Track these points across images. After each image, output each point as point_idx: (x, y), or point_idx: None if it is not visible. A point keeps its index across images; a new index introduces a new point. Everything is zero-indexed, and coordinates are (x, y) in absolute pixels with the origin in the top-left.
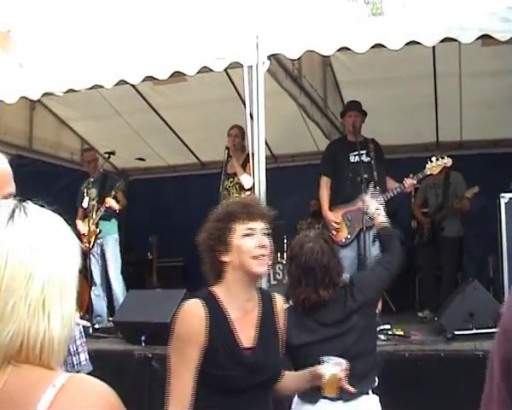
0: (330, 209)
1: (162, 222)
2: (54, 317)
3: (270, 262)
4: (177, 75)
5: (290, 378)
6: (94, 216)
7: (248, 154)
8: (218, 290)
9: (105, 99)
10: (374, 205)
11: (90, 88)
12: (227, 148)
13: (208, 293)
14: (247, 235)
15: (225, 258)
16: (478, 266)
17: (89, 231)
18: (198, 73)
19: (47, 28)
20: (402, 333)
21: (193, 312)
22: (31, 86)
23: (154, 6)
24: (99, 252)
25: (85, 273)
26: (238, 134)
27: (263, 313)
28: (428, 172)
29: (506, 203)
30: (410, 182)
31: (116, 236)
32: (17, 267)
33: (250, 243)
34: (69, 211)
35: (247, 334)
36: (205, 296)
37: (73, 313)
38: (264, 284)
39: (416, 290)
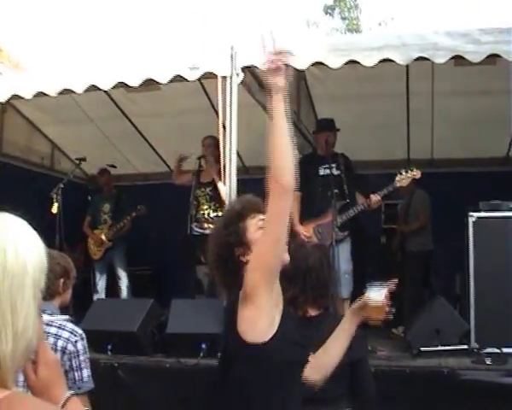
0: (301, 223)
1: (131, 230)
2: (5, 336)
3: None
4: (150, 83)
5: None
6: (107, 230)
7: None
8: None
9: (77, 104)
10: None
11: (61, 93)
12: (199, 158)
13: None
14: (261, 228)
15: (246, 257)
16: (445, 283)
17: (102, 241)
18: (171, 81)
19: (18, 32)
20: (369, 349)
21: None
22: (0, 89)
23: (128, 13)
24: (105, 263)
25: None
26: (211, 144)
27: None
28: (398, 185)
29: (474, 222)
30: (374, 199)
31: (124, 246)
32: None
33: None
34: (39, 216)
35: None
36: None
37: (32, 325)
38: None
39: None
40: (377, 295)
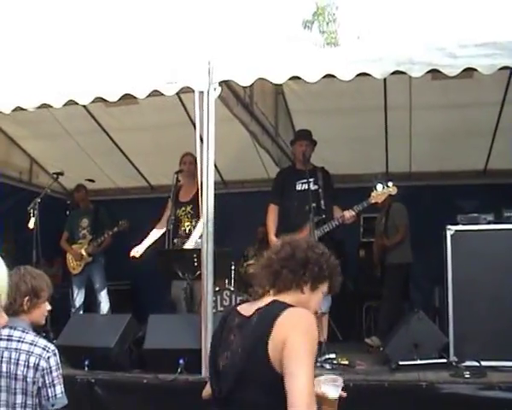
0: (277, 236)
1: (110, 244)
2: None
3: None
4: (129, 98)
5: None
6: (87, 245)
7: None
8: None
9: (55, 119)
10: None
11: (39, 107)
12: (177, 172)
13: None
14: (322, 293)
15: (305, 289)
16: (424, 296)
17: (81, 256)
18: (149, 96)
19: None
20: (347, 363)
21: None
22: None
23: (105, 28)
24: (84, 277)
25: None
26: (192, 161)
27: None
28: (373, 201)
29: (452, 235)
30: (348, 215)
31: (103, 261)
32: None
33: (319, 301)
34: (16, 230)
35: None
36: None
37: None
38: (209, 310)
39: (363, 319)
40: (333, 391)
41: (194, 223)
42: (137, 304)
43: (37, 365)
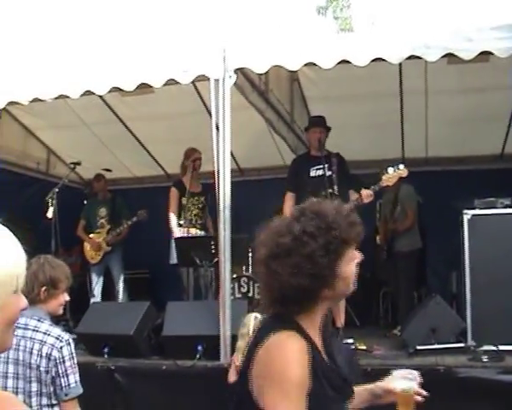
0: None
1: (128, 233)
2: None
3: None
4: (144, 87)
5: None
6: (106, 234)
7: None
8: (302, 321)
9: (72, 109)
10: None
11: (56, 98)
12: (193, 161)
13: (295, 325)
14: (352, 259)
15: (325, 292)
16: (441, 282)
17: (100, 245)
18: (165, 85)
19: (13, 37)
20: (365, 347)
21: (300, 348)
22: None
23: (121, 18)
24: (102, 267)
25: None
26: (200, 157)
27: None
28: (384, 184)
29: (469, 220)
30: (365, 193)
31: (121, 250)
32: None
33: (354, 269)
34: (34, 220)
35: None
36: (295, 329)
37: None
38: (227, 297)
39: (380, 304)
40: (405, 385)
41: (201, 213)
42: (156, 292)
43: (50, 354)
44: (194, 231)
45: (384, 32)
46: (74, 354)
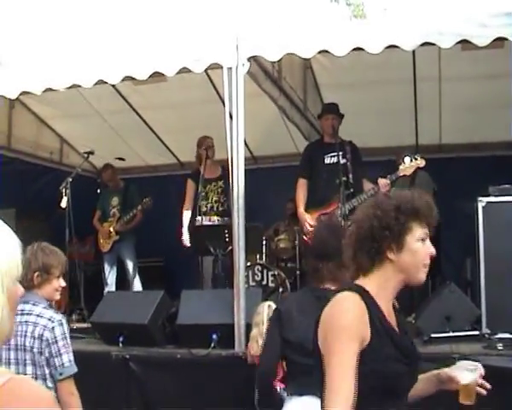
0: (306, 210)
1: (141, 222)
2: None
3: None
4: (157, 75)
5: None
6: (115, 223)
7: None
8: (368, 286)
9: (84, 98)
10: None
11: (69, 87)
12: (206, 149)
13: (360, 288)
14: (422, 240)
15: (392, 255)
16: (456, 269)
17: (109, 234)
18: (178, 73)
19: (26, 27)
20: None
21: (356, 303)
22: (9, 85)
23: (134, 7)
24: (114, 255)
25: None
26: (213, 144)
27: (399, 318)
28: (401, 174)
29: (483, 207)
30: (383, 182)
31: (133, 239)
32: None
33: (425, 249)
34: (48, 210)
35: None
36: (358, 291)
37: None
38: (242, 285)
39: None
40: (467, 376)
41: (221, 199)
42: (170, 281)
43: (42, 335)
44: (215, 219)
45: (397, 19)
46: (67, 334)
